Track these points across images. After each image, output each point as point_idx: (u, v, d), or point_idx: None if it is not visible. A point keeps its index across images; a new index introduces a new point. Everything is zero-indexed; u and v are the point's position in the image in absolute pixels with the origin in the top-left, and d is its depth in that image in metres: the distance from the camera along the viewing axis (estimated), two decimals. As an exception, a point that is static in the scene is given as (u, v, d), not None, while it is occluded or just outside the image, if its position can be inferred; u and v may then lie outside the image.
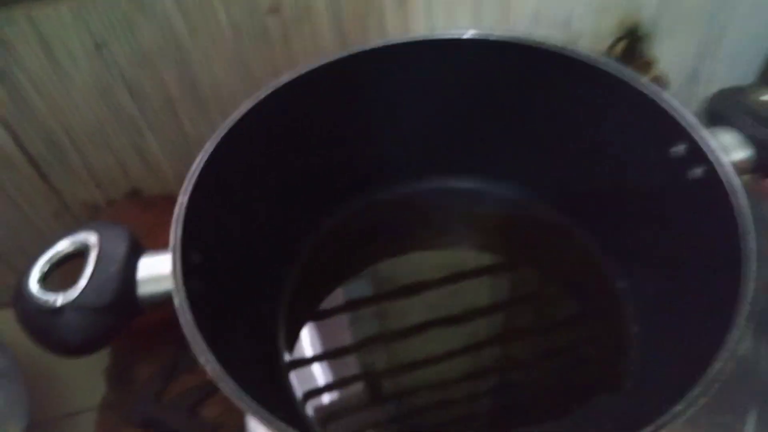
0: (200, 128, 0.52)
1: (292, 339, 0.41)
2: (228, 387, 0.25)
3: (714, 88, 0.59)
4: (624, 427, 0.31)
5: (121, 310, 0.29)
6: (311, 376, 0.40)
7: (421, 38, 0.38)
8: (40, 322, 0.28)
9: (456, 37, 0.38)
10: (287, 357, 0.40)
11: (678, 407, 0.25)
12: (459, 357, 0.41)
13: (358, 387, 0.40)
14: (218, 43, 0.47)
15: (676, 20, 0.55)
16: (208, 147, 0.34)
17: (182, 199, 0.32)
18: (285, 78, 0.36)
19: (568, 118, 0.40)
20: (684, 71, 0.60)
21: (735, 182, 0.31)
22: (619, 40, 0.56)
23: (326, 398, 0.40)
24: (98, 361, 0.55)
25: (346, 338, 0.42)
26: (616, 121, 0.37)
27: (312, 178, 0.42)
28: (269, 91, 0.36)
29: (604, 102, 0.37)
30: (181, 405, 0.47)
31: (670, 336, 0.36)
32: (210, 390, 0.49)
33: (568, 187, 0.43)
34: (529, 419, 0.38)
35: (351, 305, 0.43)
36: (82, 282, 0.29)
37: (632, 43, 0.56)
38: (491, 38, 0.38)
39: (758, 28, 0.58)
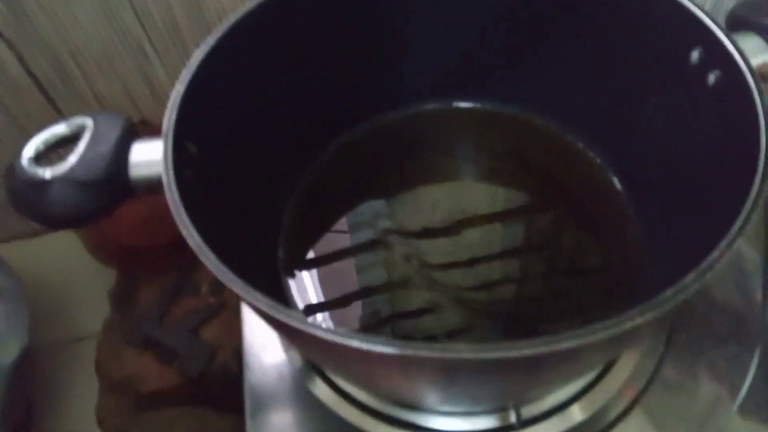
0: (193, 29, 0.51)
1: (292, 257, 0.40)
2: (209, 260, 0.25)
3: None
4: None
5: (111, 187, 0.29)
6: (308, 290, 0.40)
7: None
8: (28, 194, 0.27)
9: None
10: (284, 266, 0.40)
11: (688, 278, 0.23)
12: (476, 267, 0.40)
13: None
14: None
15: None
16: (210, 40, 0.33)
17: (179, 87, 0.31)
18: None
19: (590, 34, 0.38)
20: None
21: (755, 84, 0.29)
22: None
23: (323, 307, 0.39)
24: (104, 286, 0.55)
25: (349, 265, 0.42)
26: (639, 31, 0.36)
27: (319, 92, 0.41)
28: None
29: (628, 13, 0.36)
30: (182, 327, 0.47)
31: (679, 238, 0.34)
32: (209, 313, 0.49)
33: (582, 103, 0.42)
34: (550, 320, 0.37)
35: (350, 250, 0.42)
36: (73, 158, 0.28)
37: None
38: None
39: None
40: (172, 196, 0.27)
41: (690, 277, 0.23)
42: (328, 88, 0.41)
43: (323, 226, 0.43)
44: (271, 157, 0.39)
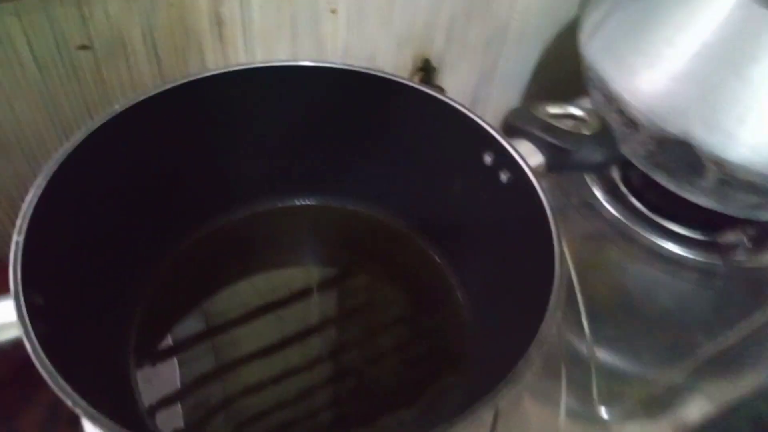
0: (2, 174, 0.47)
1: (146, 376, 0.39)
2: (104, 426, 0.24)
3: (489, 110, 0.70)
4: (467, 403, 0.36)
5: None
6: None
7: (261, 65, 0.40)
8: None
9: (294, 64, 0.41)
10: (144, 399, 0.38)
11: (505, 381, 0.28)
12: (307, 369, 0.42)
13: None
14: (21, 82, 0.43)
15: (459, 54, 0.65)
16: (40, 182, 0.32)
17: (17, 239, 0.29)
18: (117, 108, 0.35)
19: (398, 136, 0.44)
20: (467, 97, 0.70)
21: (537, 182, 0.37)
22: (416, 71, 0.63)
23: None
24: None
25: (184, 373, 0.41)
26: (438, 135, 0.43)
27: (151, 211, 0.41)
28: (101, 122, 0.35)
29: (427, 120, 0.42)
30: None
31: (499, 323, 0.41)
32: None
33: (403, 196, 0.47)
34: (382, 411, 0.40)
35: (187, 342, 0.42)
36: None
37: (427, 74, 0.64)
38: (327, 66, 0.41)
39: (525, 55, 0.70)
40: (39, 358, 0.26)
41: (497, 389, 0.27)
42: (160, 201, 0.42)
43: (166, 325, 0.42)
44: (114, 277, 0.38)
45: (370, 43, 0.58)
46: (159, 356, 0.41)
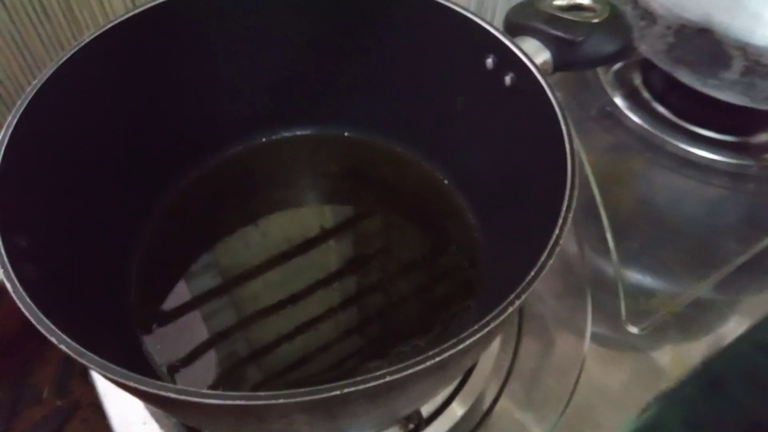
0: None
1: (145, 314, 0.38)
2: (93, 362, 0.23)
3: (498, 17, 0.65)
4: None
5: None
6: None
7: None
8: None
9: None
10: (147, 343, 0.37)
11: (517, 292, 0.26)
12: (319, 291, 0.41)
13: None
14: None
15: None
16: (11, 119, 0.30)
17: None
18: (87, 37, 0.33)
19: (395, 51, 0.42)
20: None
21: (544, 81, 0.34)
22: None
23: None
24: None
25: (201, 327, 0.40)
26: (437, 45, 0.40)
27: (138, 150, 0.39)
28: (70, 53, 0.33)
29: (424, 29, 0.39)
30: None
31: (512, 238, 0.38)
32: (61, 418, 0.44)
33: (404, 119, 0.45)
34: (396, 341, 0.39)
35: (199, 299, 0.41)
36: None
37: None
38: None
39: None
40: (19, 297, 0.24)
41: (509, 301, 0.25)
42: (145, 138, 0.40)
43: (170, 278, 0.41)
44: (105, 222, 0.36)
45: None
46: (164, 312, 0.39)
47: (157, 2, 0.35)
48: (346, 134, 0.47)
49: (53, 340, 0.23)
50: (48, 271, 0.29)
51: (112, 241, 0.38)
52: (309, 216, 0.45)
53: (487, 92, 0.38)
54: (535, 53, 0.37)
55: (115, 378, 0.22)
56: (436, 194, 0.45)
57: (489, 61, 0.37)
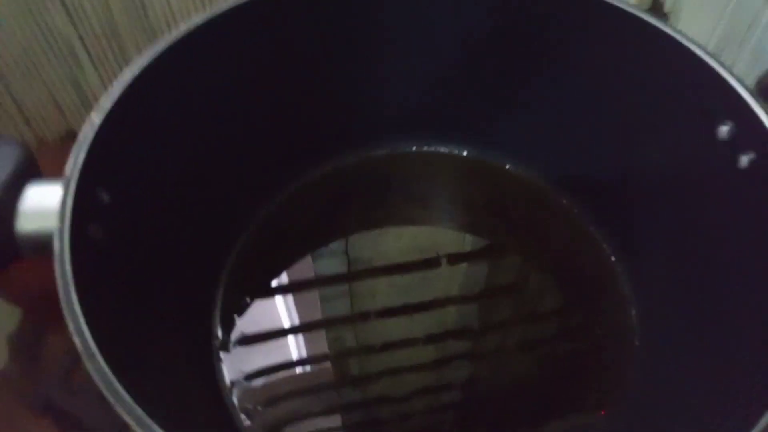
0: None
1: (230, 318, 0.34)
2: (95, 368, 0.18)
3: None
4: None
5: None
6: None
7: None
8: None
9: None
10: (220, 336, 0.33)
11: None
12: (427, 345, 0.35)
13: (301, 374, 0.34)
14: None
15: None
16: (143, 60, 0.26)
17: (95, 119, 0.24)
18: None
19: (595, 78, 0.33)
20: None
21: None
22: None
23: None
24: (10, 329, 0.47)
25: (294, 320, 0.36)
26: (647, 85, 0.31)
27: (276, 127, 0.34)
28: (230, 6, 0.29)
29: (633, 59, 0.31)
30: (91, 391, 0.39)
31: (683, 367, 0.29)
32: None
33: (575, 161, 0.37)
34: (495, 429, 0.32)
35: (307, 284, 0.37)
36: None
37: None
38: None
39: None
40: (62, 268, 0.20)
41: None
42: (285, 121, 0.35)
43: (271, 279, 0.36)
44: (208, 207, 0.32)
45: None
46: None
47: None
48: (507, 167, 0.39)
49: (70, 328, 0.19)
50: (120, 244, 0.25)
51: (211, 226, 0.33)
52: (434, 239, 0.39)
53: (710, 165, 0.29)
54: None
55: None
56: (597, 270, 0.36)
57: (723, 130, 0.28)
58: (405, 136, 0.39)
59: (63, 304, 0.20)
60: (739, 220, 0.27)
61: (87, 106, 0.48)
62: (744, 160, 0.27)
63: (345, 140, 0.39)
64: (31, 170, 0.24)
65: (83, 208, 0.22)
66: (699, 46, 0.28)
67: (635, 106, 0.33)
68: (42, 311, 0.44)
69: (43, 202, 0.23)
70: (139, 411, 0.18)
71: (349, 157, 0.40)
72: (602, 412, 0.31)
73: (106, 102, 0.25)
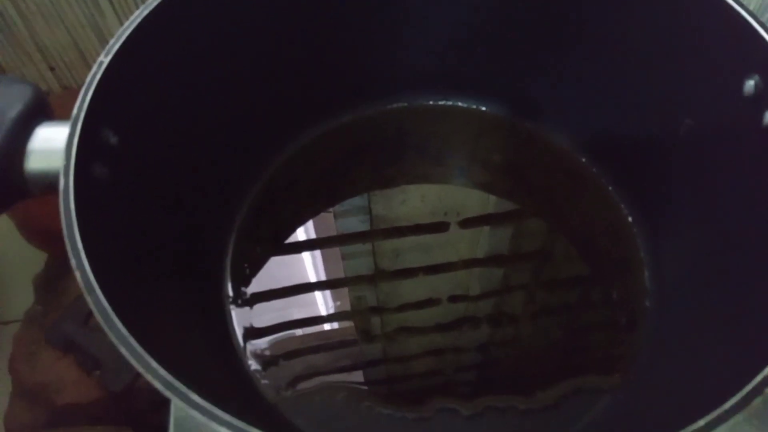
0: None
1: (239, 271, 0.34)
2: (97, 303, 0.18)
3: None
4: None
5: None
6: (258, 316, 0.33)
7: None
8: None
9: None
10: (229, 290, 0.33)
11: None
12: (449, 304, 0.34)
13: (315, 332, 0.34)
14: None
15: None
16: (155, 1, 0.26)
17: (103, 59, 0.24)
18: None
19: (621, 37, 0.32)
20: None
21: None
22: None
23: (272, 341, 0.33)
24: (35, 271, 0.48)
25: (312, 276, 0.36)
26: (672, 40, 0.30)
27: (292, 72, 0.34)
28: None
29: (667, 15, 0.29)
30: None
31: (695, 324, 0.29)
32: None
33: (599, 125, 0.35)
34: (509, 388, 0.32)
35: (322, 241, 0.37)
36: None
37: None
38: None
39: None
40: (66, 204, 0.21)
41: None
42: (303, 67, 0.35)
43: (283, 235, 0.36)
44: (220, 154, 0.32)
45: None
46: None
47: None
48: (527, 125, 0.38)
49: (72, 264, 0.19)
50: (125, 186, 0.25)
51: (219, 176, 0.33)
52: (458, 197, 0.38)
53: (732, 122, 0.28)
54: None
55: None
56: (613, 232, 0.35)
57: (750, 84, 0.26)
58: (425, 88, 0.39)
59: (66, 239, 0.20)
60: (760, 181, 0.26)
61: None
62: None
63: (363, 92, 0.38)
64: (42, 111, 0.25)
65: (89, 147, 0.22)
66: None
67: (663, 60, 0.31)
68: (63, 255, 0.45)
69: (52, 142, 0.23)
70: (133, 342, 0.18)
71: (367, 108, 0.39)
72: (615, 375, 0.31)
73: (116, 43, 0.25)
